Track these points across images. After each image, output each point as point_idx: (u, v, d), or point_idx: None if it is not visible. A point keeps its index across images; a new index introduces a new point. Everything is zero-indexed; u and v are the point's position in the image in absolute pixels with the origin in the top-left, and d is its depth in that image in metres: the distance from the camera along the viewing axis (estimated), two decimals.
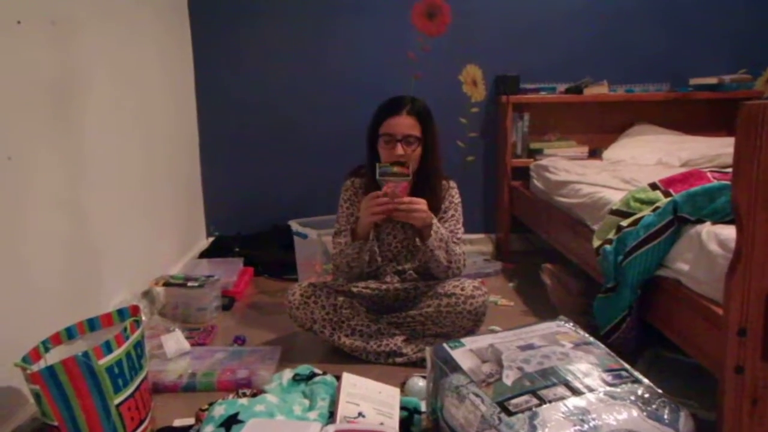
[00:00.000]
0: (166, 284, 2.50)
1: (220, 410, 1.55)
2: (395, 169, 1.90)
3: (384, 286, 2.13)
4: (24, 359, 1.46)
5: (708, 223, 1.58)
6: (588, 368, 1.36)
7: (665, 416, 1.25)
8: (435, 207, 2.10)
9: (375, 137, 2.06)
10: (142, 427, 1.57)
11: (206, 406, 1.65)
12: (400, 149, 2.00)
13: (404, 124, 2.01)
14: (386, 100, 2.08)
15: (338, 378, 1.67)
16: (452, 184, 2.18)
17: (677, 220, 1.65)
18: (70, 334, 1.66)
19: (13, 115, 1.63)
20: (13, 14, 1.63)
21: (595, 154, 3.29)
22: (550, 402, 1.25)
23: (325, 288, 2.12)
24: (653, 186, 1.91)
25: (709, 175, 1.82)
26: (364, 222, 1.97)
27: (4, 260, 1.58)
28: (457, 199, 2.16)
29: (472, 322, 2.04)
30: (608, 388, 1.29)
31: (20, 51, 1.67)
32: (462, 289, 2.03)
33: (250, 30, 3.37)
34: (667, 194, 1.82)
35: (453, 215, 2.14)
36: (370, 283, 2.15)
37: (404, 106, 2.02)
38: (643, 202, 1.88)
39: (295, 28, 3.37)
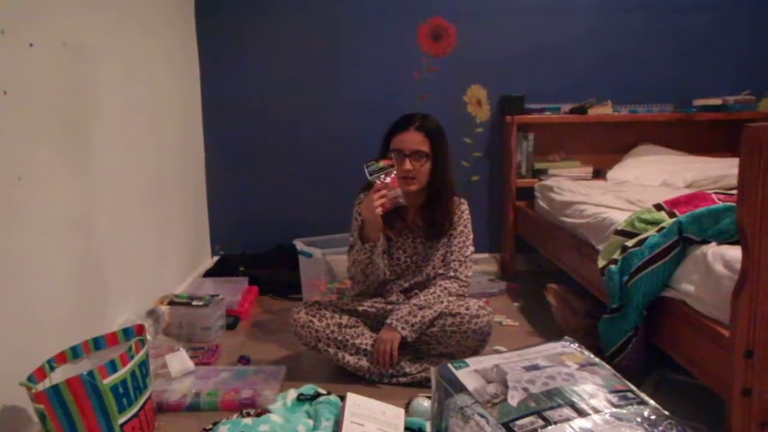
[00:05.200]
0: (171, 303, 2.50)
1: (224, 430, 1.55)
2: (381, 164, 1.98)
3: (390, 306, 2.13)
4: (29, 378, 1.47)
5: (713, 244, 1.58)
6: (594, 389, 1.35)
7: None
8: (445, 223, 2.12)
9: (386, 153, 2.08)
10: None
11: (210, 426, 1.65)
12: (408, 164, 2.02)
13: (413, 140, 2.04)
14: (399, 117, 2.11)
15: (342, 398, 1.66)
16: (462, 201, 2.19)
17: (682, 241, 1.65)
18: (75, 353, 1.66)
19: (24, 136, 1.65)
20: (26, 37, 1.66)
21: (599, 174, 3.30)
22: (555, 423, 1.24)
23: (330, 306, 2.12)
24: (658, 207, 1.92)
25: (713, 196, 1.83)
26: (370, 218, 1.98)
27: (10, 278, 1.59)
28: (466, 216, 2.18)
29: (477, 341, 2.03)
30: (614, 410, 1.28)
31: (32, 72, 1.70)
32: (467, 309, 2.02)
33: (257, 52, 3.40)
34: (672, 215, 1.82)
35: (462, 231, 2.15)
36: (375, 302, 2.15)
37: (413, 123, 2.06)
38: (648, 222, 1.88)
39: (302, 50, 3.41)
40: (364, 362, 2.05)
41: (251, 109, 3.45)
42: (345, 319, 2.09)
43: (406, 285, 2.18)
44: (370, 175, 1.97)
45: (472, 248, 2.17)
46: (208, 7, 3.36)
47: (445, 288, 2.08)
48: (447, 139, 2.12)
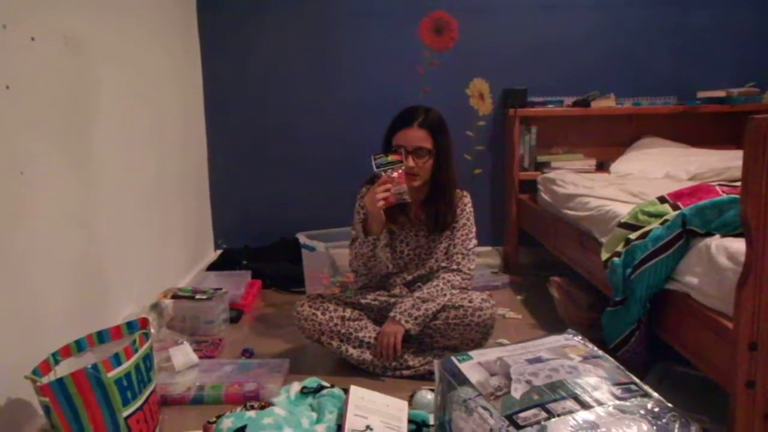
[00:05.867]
0: (175, 297, 2.51)
1: (228, 423, 1.55)
2: (390, 158, 1.99)
3: (393, 299, 2.13)
4: (34, 372, 1.47)
5: (717, 236, 1.58)
6: (597, 382, 1.35)
7: (675, 431, 1.24)
8: (448, 216, 2.12)
9: (389, 147, 2.07)
10: None
11: (214, 419, 1.65)
12: (410, 161, 2.02)
13: (415, 136, 2.03)
14: (401, 111, 2.10)
15: (346, 391, 1.66)
16: (465, 194, 2.19)
17: (686, 233, 1.65)
18: (79, 346, 1.66)
19: (27, 130, 1.65)
20: (27, 31, 1.66)
21: (602, 167, 3.29)
22: (558, 416, 1.24)
23: (334, 299, 2.13)
24: (661, 199, 1.91)
25: (717, 188, 1.82)
26: (372, 211, 1.98)
27: (14, 272, 1.59)
28: (468, 209, 2.18)
29: (481, 334, 2.03)
30: (618, 402, 1.29)
31: (34, 67, 1.70)
32: (470, 302, 2.03)
33: (259, 48, 3.40)
34: (675, 207, 1.82)
35: (465, 224, 2.15)
36: (379, 295, 2.15)
37: (416, 119, 2.04)
38: (651, 215, 1.87)
39: (304, 45, 3.40)
40: (367, 355, 2.05)
41: (253, 103, 3.44)
42: (348, 312, 2.09)
43: (410, 278, 2.18)
44: (377, 167, 1.97)
45: (474, 241, 2.17)
46: (210, 3, 3.35)
47: (449, 281, 2.08)
48: (449, 134, 2.11)
